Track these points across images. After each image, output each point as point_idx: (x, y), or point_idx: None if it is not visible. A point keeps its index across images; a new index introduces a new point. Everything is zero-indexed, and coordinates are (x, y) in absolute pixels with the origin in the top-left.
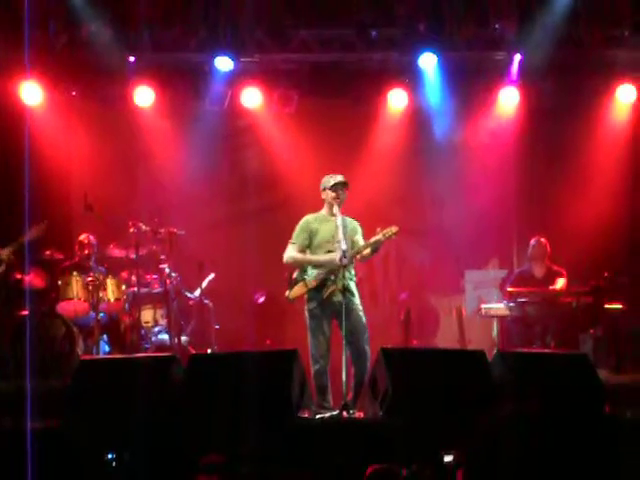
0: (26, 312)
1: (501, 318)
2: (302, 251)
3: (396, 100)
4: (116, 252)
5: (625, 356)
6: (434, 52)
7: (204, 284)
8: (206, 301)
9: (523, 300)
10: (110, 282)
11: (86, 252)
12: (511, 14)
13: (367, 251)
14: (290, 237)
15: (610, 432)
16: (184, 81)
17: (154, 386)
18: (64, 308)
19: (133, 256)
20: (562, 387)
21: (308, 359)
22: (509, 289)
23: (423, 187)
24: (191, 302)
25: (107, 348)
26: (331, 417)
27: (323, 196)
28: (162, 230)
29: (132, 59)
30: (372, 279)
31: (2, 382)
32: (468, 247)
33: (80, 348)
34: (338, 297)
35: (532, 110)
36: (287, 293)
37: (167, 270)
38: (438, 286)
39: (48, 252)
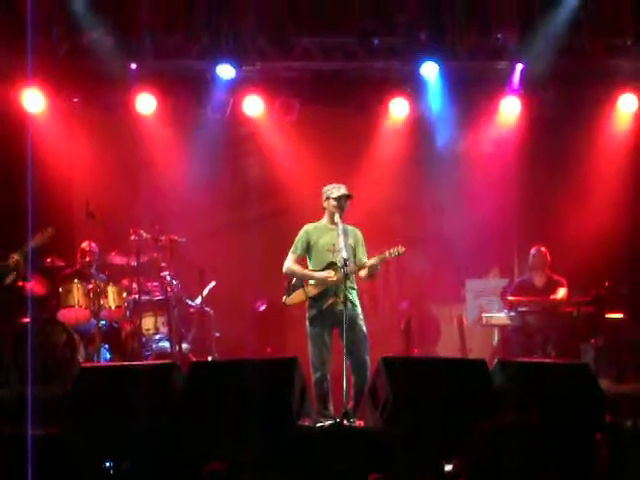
0: (27, 319)
1: (502, 327)
2: (301, 261)
3: (397, 109)
4: (117, 259)
5: (626, 366)
6: (436, 61)
7: (205, 292)
8: (207, 309)
9: (524, 309)
10: (111, 289)
11: (87, 259)
12: (513, 23)
13: (364, 273)
14: (291, 245)
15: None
16: (186, 89)
17: (155, 394)
18: (65, 315)
19: (134, 263)
20: (563, 397)
21: (309, 367)
22: (510, 298)
23: (424, 196)
24: (192, 310)
25: (108, 355)
26: (331, 425)
27: (325, 205)
28: (163, 237)
29: (134, 66)
30: (373, 288)
31: (3, 389)
32: (469, 256)
33: (81, 355)
34: (339, 306)
35: (534, 119)
36: (284, 298)
37: (168, 278)
38: (439, 295)
39: (49, 259)
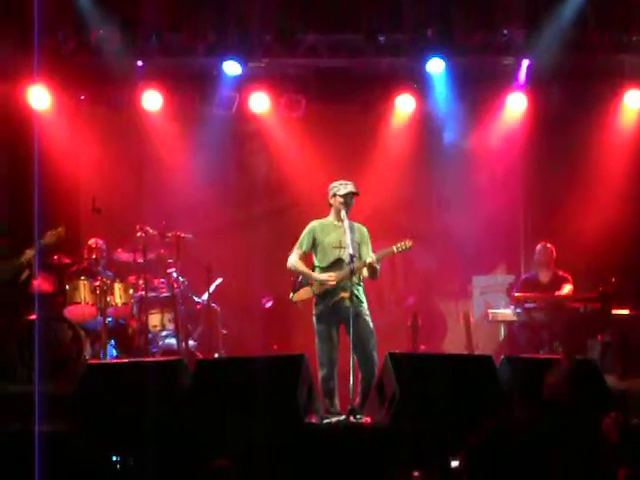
0: (34, 316)
1: (508, 323)
2: (305, 257)
3: (404, 105)
4: (124, 256)
5: (632, 362)
6: (442, 57)
7: (211, 288)
8: (213, 305)
9: (530, 306)
10: (118, 286)
11: (94, 256)
12: (519, 19)
13: (365, 272)
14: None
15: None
16: (192, 85)
17: (161, 390)
18: (72, 312)
19: (141, 260)
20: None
21: (316, 364)
22: (516, 294)
23: (431, 192)
24: (199, 306)
25: (114, 352)
26: (338, 422)
27: (331, 201)
28: (170, 234)
29: (140, 63)
30: (379, 284)
31: (10, 386)
32: (475, 252)
33: (87, 352)
34: (346, 303)
35: (540, 115)
36: (291, 295)
37: (175, 274)
38: (445, 291)
39: (56, 256)
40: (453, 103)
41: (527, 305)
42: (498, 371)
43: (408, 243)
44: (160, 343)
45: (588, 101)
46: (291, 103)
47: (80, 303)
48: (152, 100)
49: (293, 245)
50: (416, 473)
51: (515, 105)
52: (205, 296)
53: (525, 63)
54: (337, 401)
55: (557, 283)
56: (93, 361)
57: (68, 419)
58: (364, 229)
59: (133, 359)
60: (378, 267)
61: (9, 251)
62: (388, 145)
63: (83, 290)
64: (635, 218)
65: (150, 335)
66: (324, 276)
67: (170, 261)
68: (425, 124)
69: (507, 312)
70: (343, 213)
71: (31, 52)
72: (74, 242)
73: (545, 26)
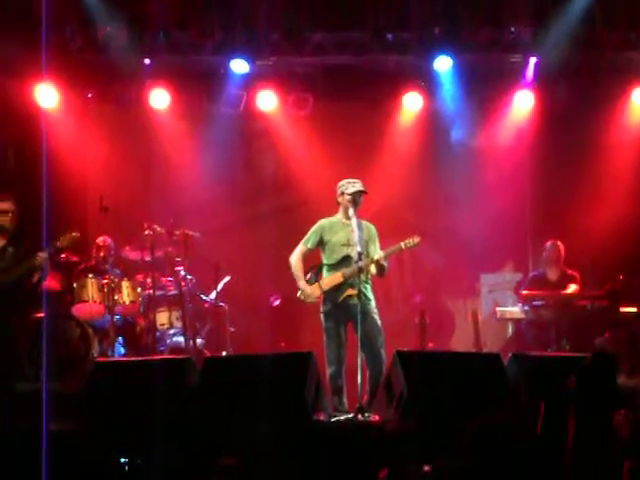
0: (42, 314)
1: (516, 321)
2: (310, 254)
3: (411, 103)
4: (131, 254)
5: None
6: (449, 55)
7: (219, 286)
8: (221, 303)
9: (538, 303)
10: (125, 284)
11: (102, 254)
12: (526, 16)
13: (373, 269)
14: None
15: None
16: (199, 84)
17: (169, 388)
18: (80, 310)
19: (148, 258)
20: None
21: (324, 361)
22: (524, 292)
23: (438, 190)
24: (206, 305)
25: (122, 350)
26: (346, 420)
27: (339, 200)
28: (177, 232)
29: (148, 61)
30: (387, 282)
31: (19, 384)
32: (483, 250)
33: (95, 350)
34: (354, 300)
35: (547, 113)
36: (299, 293)
37: (182, 272)
38: (453, 289)
39: (64, 254)
40: (460, 101)
41: (535, 303)
42: (506, 369)
43: (416, 239)
44: (168, 341)
45: (596, 98)
46: (299, 101)
47: (88, 301)
48: (160, 98)
49: None
50: (426, 467)
51: (523, 103)
52: (213, 294)
53: (532, 60)
54: (345, 399)
55: (565, 281)
56: (101, 359)
57: (76, 417)
58: (372, 227)
59: (141, 357)
60: (386, 264)
61: (17, 250)
62: (396, 143)
63: (91, 288)
64: None
65: (158, 333)
66: (308, 289)
67: (178, 259)
68: (432, 122)
69: (515, 310)
70: (351, 211)
71: (38, 50)
72: (82, 240)
73: (552, 23)
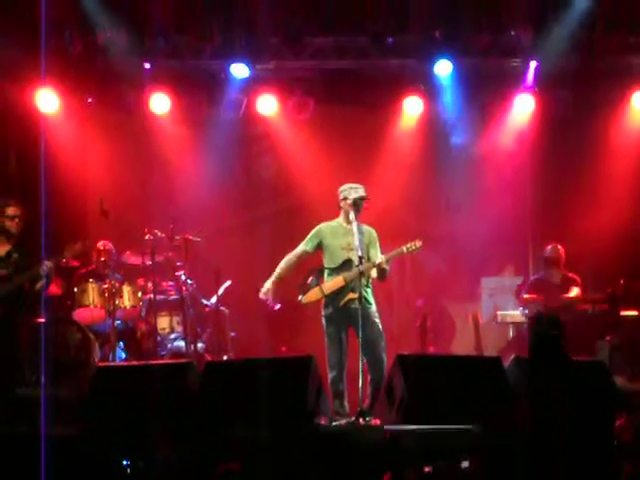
0: (43, 319)
1: (517, 325)
2: (308, 256)
3: (411, 107)
4: (132, 259)
5: None
6: (450, 59)
7: (220, 291)
8: (222, 308)
9: (539, 307)
10: (126, 289)
11: (103, 259)
12: (527, 21)
13: (374, 273)
14: None
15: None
16: (200, 88)
17: (170, 393)
18: (80, 315)
19: (149, 263)
20: (578, 394)
21: (325, 366)
22: (525, 296)
23: (439, 194)
24: (207, 309)
25: (123, 355)
26: (348, 424)
27: (341, 204)
28: (178, 237)
29: (148, 66)
30: (388, 286)
31: (19, 389)
32: (484, 254)
33: (96, 355)
34: (355, 304)
35: (548, 117)
36: (300, 297)
37: (183, 277)
38: (454, 293)
39: (64, 259)
40: (460, 105)
41: (535, 306)
42: (507, 372)
43: (418, 243)
44: (169, 346)
45: (596, 102)
46: (299, 105)
47: (89, 306)
48: (160, 102)
49: None
50: (427, 469)
51: (523, 107)
52: (214, 299)
53: (533, 65)
54: (346, 403)
55: (567, 285)
56: (102, 364)
57: (77, 422)
58: (372, 231)
59: (142, 362)
60: (387, 268)
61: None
62: (396, 147)
63: (92, 293)
64: None
65: (159, 338)
66: (267, 283)
67: (179, 264)
68: (433, 126)
69: (516, 313)
70: (352, 215)
71: (38, 55)
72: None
73: (552, 28)
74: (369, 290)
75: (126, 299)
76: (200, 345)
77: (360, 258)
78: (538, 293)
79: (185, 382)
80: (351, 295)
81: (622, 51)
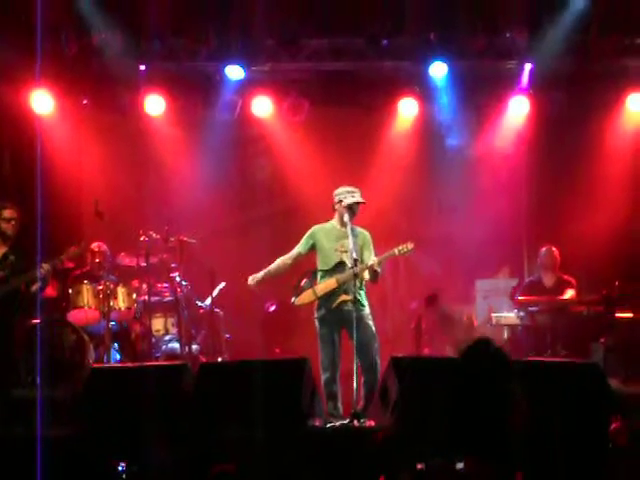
0: (37, 320)
1: (512, 327)
2: (303, 258)
3: (406, 109)
4: (127, 260)
5: (636, 365)
6: (445, 61)
7: (215, 293)
8: (217, 310)
9: (534, 309)
10: (121, 290)
11: (97, 260)
12: (522, 23)
13: (367, 275)
14: None
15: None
16: (195, 90)
17: (164, 395)
18: (75, 316)
19: (144, 264)
20: (573, 396)
21: (319, 367)
22: (519, 298)
23: (433, 196)
24: (202, 311)
25: (118, 356)
26: (342, 426)
27: (336, 207)
28: (173, 238)
29: (143, 68)
30: (383, 288)
31: (14, 390)
32: (478, 256)
33: (91, 356)
34: (348, 307)
35: (543, 119)
36: (293, 299)
37: (178, 279)
38: (449, 295)
39: (61, 262)
40: (456, 106)
41: (530, 309)
42: None
43: (409, 246)
44: (163, 347)
45: (591, 105)
46: (294, 107)
47: (83, 307)
48: (155, 104)
49: None
50: (420, 466)
51: (518, 109)
52: (208, 300)
53: (528, 67)
54: (340, 404)
55: (561, 287)
56: (96, 365)
57: (72, 423)
58: (366, 233)
59: (136, 363)
60: (379, 270)
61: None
62: (391, 148)
63: (86, 294)
64: (638, 221)
65: (153, 339)
66: (259, 275)
67: (173, 265)
68: (428, 127)
69: (510, 316)
70: (347, 217)
71: (34, 57)
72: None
73: (547, 30)
74: (362, 292)
75: (121, 300)
76: (194, 347)
77: (355, 260)
78: (533, 295)
79: (179, 384)
80: (344, 297)
81: (617, 53)
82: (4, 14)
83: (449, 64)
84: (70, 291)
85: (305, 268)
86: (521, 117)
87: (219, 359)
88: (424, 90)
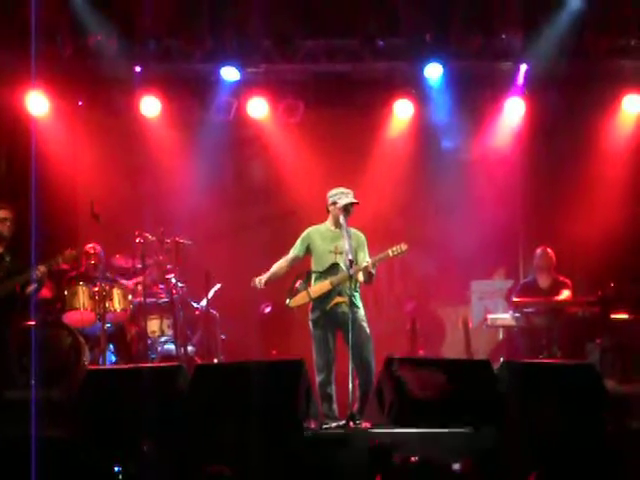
0: (33, 322)
1: (507, 328)
2: (298, 261)
3: (402, 110)
4: (122, 262)
5: (631, 366)
6: (440, 62)
7: (210, 294)
8: (212, 311)
9: (529, 310)
10: (116, 292)
11: (92, 262)
12: (517, 24)
13: (361, 277)
14: None
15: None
16: (190, 91)
17: (160, 396)
18: (70, 318)
19: (139, 266)
20: (568, 397)
21: (314, 369)
22: (515, 299)
23: (429, 197)
24: (197, 312)
25: (113, 358)
26: (337, 427)
27: (330, 208)
28: (168, 240)
29: (138, 69)
30: (377, 290)
31: (9, 392)
32: (474, 257)
33: (86, 358)
34: (342, 308)
35: (538, 120)
36: (288, 301)
37: (173, 280)
38: (444, 296)
39: (57, 265)
40: (451, 108)
41: (526, 310)
42: (496, 375)
43: (403, 247)
44: (159, 349)
45: (586, 106)
46: (289, 108)
47: (79, 309)
48: (150, 106)
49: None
50: (413, 458)
51: (513, 110)
52: (204, 302)
53: (523, 68)
54: (335, 406)
55: (557, 288)
56: (92, 367)
57: (67, 425)
58: (361, 234)
59: (132, 365)
60: (374, 271)
61: (14, 260)
62: (386, 150)
63: (82, 296)
64: (634, 222)
65: (149, 341)
66: (265, 277)
67: (169, 267)
68: (423, 129)
69: (506, 317)
70: (342, 219)
71: (29, 58)
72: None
73: (543, 31)
74: (357, 294)
75: (116, 302)
76: (190, 348)
77: (350, 262)
78: (528, 296)
79: (175, 385)
80: (338, 299)
81: (612, 54)
82: None
83: (444, 65)
84: (65, 293)
85: (300, 269)
86: (517, 118)
87: (215, 360)
88: (419, 91)
